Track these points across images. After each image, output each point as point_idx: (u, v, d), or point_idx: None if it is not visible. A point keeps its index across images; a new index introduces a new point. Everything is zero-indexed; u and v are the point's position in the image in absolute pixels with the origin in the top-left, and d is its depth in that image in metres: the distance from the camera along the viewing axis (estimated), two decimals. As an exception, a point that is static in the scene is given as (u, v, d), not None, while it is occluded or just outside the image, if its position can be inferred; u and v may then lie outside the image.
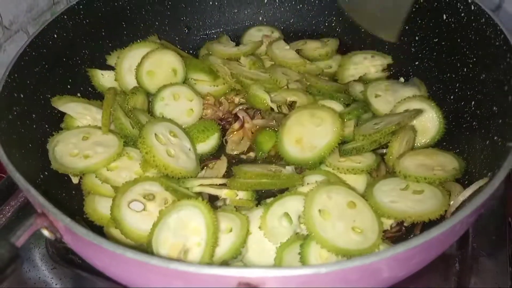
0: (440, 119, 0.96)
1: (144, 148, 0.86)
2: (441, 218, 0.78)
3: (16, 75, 0.83)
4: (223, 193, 0.89)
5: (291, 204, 0.82)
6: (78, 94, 1.02)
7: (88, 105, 0.99)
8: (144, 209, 0.81)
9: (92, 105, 0.99)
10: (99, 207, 0.86)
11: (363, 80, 1.12)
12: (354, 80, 1.13)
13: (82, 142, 0.90)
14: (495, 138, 0.80)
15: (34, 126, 0.87)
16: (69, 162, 0.86)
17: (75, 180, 0.91)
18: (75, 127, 0.95)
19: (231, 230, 0.77)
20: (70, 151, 0.88)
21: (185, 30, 1.24)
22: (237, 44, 1.22)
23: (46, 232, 0.61)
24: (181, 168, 0.88)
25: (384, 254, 0.53)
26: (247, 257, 0.78)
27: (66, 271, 0.89)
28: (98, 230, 0.84)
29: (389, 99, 1.04)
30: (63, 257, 0.90)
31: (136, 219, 0.79)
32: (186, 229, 0.74)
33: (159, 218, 0.77)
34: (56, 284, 0.87)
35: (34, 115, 0.87)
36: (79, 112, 0.96)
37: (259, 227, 0.80)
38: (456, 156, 0.89)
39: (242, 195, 0.89)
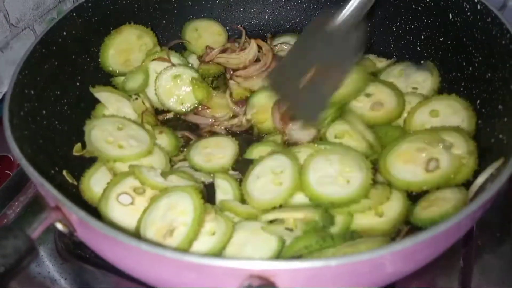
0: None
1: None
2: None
3: (26, 72, 0.84)
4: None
5: None
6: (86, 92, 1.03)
7: (121, 97, 1.05)
8: (132, 203, 0.82)
9: (124, 98, 1.05)
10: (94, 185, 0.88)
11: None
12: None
13: (117, 131, 0.94)
14: (500, 136, 0.81)
15: (45, 122, 0.88)
16: (103, 148, 0.90)
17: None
18: (109, 116, 0.99)
19: (213, 234, 0.78)
20: (105, 137, 0.92)
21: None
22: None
23: (60, 226, 0.62)
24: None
25: (393, 248, 0.54)
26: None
27: (75, 266, 0.90)
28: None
29: (401, 85, 1.05)
30: (72, 252, 0.91)
31: (122, 213, 0.81)
32: (174, 211, 0.76)
33: (149, 203, 0.79)
34: (65, 279, 0.88)
35: (44, 112, 0.88)
36: (111, 103, 1.02)
37: None
38: None
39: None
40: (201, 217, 0.75)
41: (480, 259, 0.87)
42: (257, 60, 1.13)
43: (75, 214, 0.58)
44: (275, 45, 1.21)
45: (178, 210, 0.77)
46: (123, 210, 0.81)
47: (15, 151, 0.69)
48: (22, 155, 0.68)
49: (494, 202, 0.69)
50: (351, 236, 0.81)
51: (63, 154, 0.91)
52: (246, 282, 0.53)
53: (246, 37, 1.18)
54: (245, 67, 1.12)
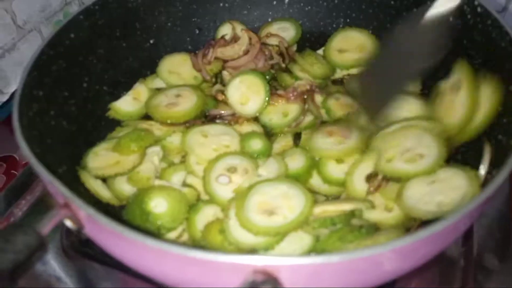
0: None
1: None
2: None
3: (35, 73, 0.86)
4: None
5: None
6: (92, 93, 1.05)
7: None
8: (230, 181, 0.89)
9: None
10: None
11: None
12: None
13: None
14: (500, 137, 0.82)
15: (53, 122, 0.90)
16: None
17: None
18: None
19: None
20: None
21: (196, 31, 1.26)
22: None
23: (68, 223, 0.64)
24: None
25: (393, 245, 0.56)
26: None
27: (81, 264, 0.91)
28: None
29: None
30: (78, 250, 0.92)
31: (227, 191, 0.87)
32: (285, 200, 0.79)
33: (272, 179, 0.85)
34: (70, 277, 0.90)
35: (52, 112, 0.90)
36: None
37: None
38: None
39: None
40: (303, 221, 0.77)
41: (480, 258, 0.88)
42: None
43: (84, 211, 0.60)
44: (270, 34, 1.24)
45: (289, 203, 0.79)
46: (226, 188, 0.88)
47: (25, 151, 0.70)
48: (32, 154, 0.70)
49: (493, 201, 0.71)
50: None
51: (70, 153, 0.92)
52: (250, 278, 0.54)
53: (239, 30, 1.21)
54: (238, 58, 1.15)
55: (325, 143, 0.94)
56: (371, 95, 0.90)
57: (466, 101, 0.88)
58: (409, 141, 0.89)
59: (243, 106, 1.06)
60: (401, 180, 0.85)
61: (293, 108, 1.06)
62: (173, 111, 1.02)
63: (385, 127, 0.95)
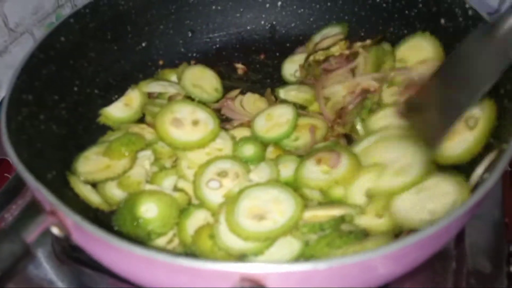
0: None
1: None
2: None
3: (24, 77, 0.85)
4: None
5: None
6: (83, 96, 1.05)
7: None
8: (221, 186, 0.88)
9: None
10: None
11: None
12: None
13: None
14: (491, 141, 0.82)
15: (42, 127, 0.89)
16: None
17: None
18: None
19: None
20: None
21: (189, 34, 1.26)
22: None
23: (55, 230, 0.63)
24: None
25: (382, 251, 0.55)
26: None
27: (72, 268, 0.90)
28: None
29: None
30: (69, 255, 0.91)
31: (218, 196, 0.87)
32: (275, 205, 0.79)
33: (267, 182, 0.86)
34: (62, 281, 0.89)
35: (42, 116, 0.89)
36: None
37: None
38: None
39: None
40: (291, 227, 0.77)
41: (473, 260, 0.88)
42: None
43: (71, 219, 0.59)
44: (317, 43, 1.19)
45: (279, 207, 0.79)
46: (216, 192, 0.87)
47: (12, 156, 0.70)
48: (19, 160, 0.69)
49: (485, 204, 0.70)
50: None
51: (61, 158, 0.92)
52: (237, 285, 0.54)
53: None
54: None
55: (311, 171, 0.89)
56: (429, 119, 0.82)
57: (477, 139, 0.83)
58: (391, 153, 0.88)
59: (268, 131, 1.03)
60: (396, 193, 0.83)
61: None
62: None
63: (359, 142, 0.94)
